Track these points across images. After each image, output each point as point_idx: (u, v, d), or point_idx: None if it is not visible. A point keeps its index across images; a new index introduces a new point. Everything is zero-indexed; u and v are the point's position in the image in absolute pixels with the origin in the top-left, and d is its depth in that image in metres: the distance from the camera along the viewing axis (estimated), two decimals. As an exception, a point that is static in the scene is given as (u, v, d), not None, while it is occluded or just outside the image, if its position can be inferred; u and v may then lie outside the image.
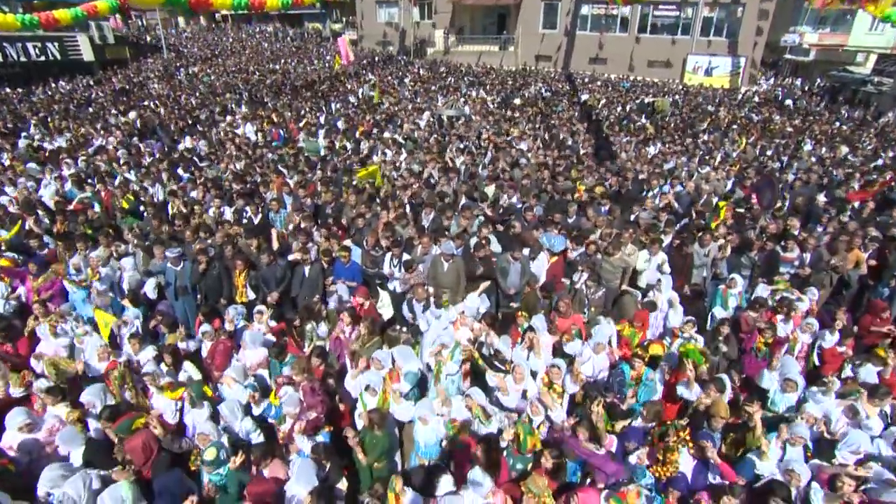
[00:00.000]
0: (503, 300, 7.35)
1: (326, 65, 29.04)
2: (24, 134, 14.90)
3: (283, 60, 30.20)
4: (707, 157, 12.86)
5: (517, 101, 20.51)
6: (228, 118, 17.02)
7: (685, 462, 4.39)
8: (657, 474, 4.35)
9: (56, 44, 26.43)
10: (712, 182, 11.02)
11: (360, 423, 4.96)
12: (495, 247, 7.49)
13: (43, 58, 26.23)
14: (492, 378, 5.30)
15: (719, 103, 23.42)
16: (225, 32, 40.89)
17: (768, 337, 5.97)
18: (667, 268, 7.39)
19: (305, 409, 4.61)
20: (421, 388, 5.55)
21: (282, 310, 6.87)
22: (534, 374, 5.39)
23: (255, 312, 6.16)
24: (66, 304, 6.34)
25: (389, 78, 25.15)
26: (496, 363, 5.53)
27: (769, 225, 8.27)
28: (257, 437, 4.92)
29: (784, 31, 33.72)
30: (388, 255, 7.21)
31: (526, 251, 7.31)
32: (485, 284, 6.72)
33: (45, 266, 7.07)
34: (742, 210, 9.00)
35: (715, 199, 9.95)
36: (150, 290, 6.98)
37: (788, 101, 25.79)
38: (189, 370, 5.51)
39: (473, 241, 7.43)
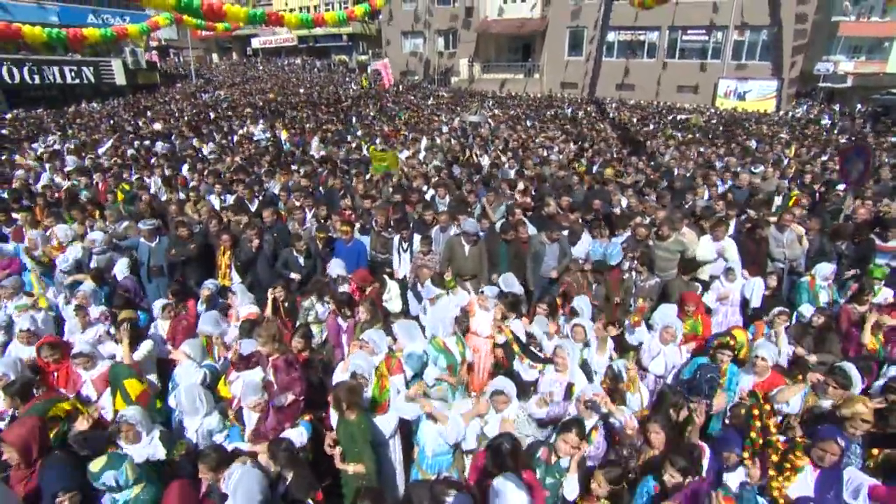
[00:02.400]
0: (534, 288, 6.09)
1: (350, 90, 29.07)
2: (40, 139, 14.71)
3: (308, 87, 30.44)
4: (760, 157, 11.57)
5: (548, 114, 19.67)
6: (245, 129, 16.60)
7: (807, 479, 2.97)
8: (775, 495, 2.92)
9: (91, 68, 27.27)
10: (771, 180, 9.68)
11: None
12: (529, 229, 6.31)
13: (78, 80, 26.97)
14: (526, 369, 4.00)
15: (757, 121, 22.19)
16: (254, 65, 42.05)
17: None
18: (733, 256, 6.06)
19: (277, 393, 3.38)
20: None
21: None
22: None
23: (230, 291, 5.05)
24: (11, 278, 5.35)
25: (412, 98, 24.78)
26: (532, 351, 4.22)
27: (858, 208, 6.87)
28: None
29: (817, 60, 32.64)
30: (397, 238, 6.09)
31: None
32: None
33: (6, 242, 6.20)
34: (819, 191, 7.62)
35: (778, 199, 8.64)
36: (120, 270, 5.97)
37: (825, 121, 24.43)
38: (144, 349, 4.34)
39: (500, 223, 6.28)
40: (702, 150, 12.95)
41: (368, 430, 3.26)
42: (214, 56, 49.19)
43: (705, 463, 3.12)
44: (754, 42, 28.43)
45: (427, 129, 15.89)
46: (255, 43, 46.06)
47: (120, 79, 28.44)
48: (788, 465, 2.91)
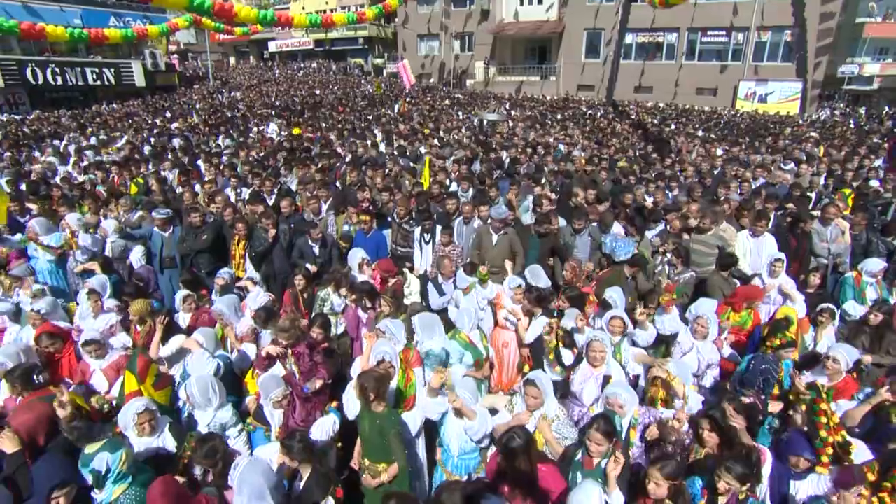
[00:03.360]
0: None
1: (366, 92, 29.03)
2: (66, 137, 14.83)
3: (325, 89, 30.48)
4: (789, 153, 11.13)
5: (566, 114, 19.35)
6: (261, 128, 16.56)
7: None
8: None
9: (112, 70, 27.64)
10: (805, 176, 9.27)
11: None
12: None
13: (99, 82, 27.35)
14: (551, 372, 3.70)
15: (781, 123, 21.60)
16: (271, 68, 42.36)
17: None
18: (773, 251, 5.70)
19: (300, 382, 3.12)
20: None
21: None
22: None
23: (246, 279, 4.82)
24: (23, 266, 5.19)
25: (428, 98, 24.62)
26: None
27: (907, 203, 6.46)
28: (237, 441, 3.42)
29: (840, 62, 31.84)
30: (419, 229, 5.84)
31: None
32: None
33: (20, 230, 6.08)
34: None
35: (813, 194, 8.23)
36: (136, 259, 5.81)
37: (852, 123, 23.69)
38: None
39: (526, 215, 5.99)
40: (727, 147, 12.54)
41: (398, 423, 2.99)
42: (231, 60, 49.72)
43: (766, 469, 2.79)
44: (776, 43, 27.79)
45: (447, 127, 15.66)
46: (272, 47, 46.44)
47: (139, 80, 28.78)
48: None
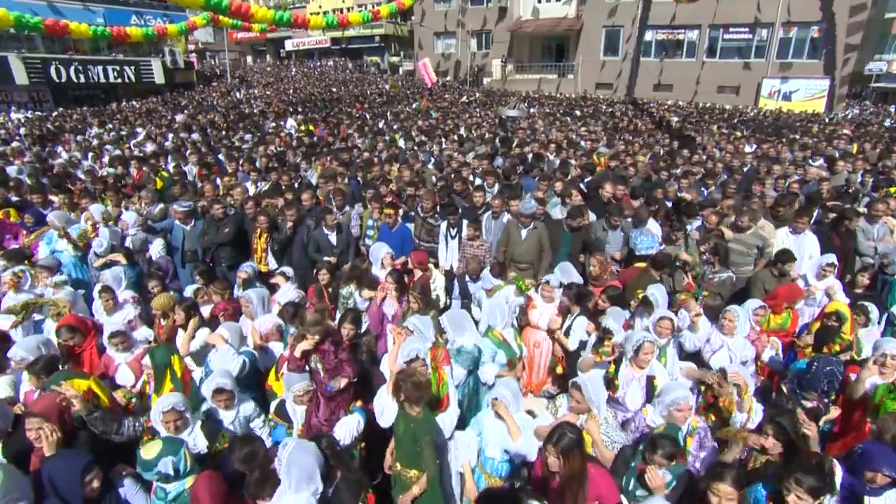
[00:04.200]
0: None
1: (382, 90, 28.99)
2: (88, 132, 14.99)
3: (341, 87, 30.50)
4: (821, 150, 10.74)
5: (586, 111, 19.03)
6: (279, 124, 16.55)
7: None
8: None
9: (132, 67, 28.01)
10: (841, 174, 8.89)
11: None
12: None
13: (120, 80, 27.72)
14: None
15: (807, 120, 21.00)
16: (287, 67, 42.55)
17: None
18: (813, 249, 5.43)
19: (326, 379, 2.97)
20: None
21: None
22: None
23: (278, 273, 4.69)
24: (49, 257, 5.14)
25: (447, 96, 24.45)
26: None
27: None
28: (261, 433, 3.29)
29: (868, 59, 30.91)
30: (444, 224, 5.67)
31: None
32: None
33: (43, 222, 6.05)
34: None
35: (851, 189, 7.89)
36: (155, 251, 5.73)
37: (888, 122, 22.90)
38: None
39: (556, 210, 5.79)
40: (756, 144, 12.16)
41: (433, 429, 2.81)
42: (248, 58, 50.07)
43: (836, 482, 2.56)
44: (802, 39, 27.03)
45: (468, 124, 15.46)
46: (289, 45, 46.64)
47: (159, 78, 29.14)
48: None
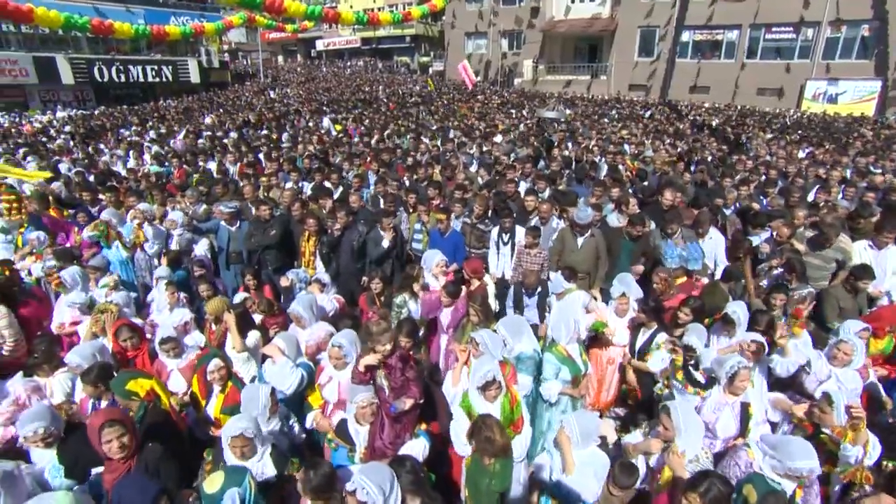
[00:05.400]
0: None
1: (413, 90, 28.94)
2: (121, 130, 15.28)
3: (372, 86, 30.59)
4: (882, 156, 10.12)
5: (623, 113, 18.53)
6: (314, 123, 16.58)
7: None
8: None
9: (170, 67, 28.72)
10: (911, 181, 8.32)
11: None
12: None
13: (158, 79, 28.44)
14: (685, 394, 3.21)
15: (857, 124, 20.01)
16: (318, 66, 42.99)
17: None
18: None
19: (392, 397, 2.78)
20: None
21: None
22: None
23: (313, 280, 4.54)
24: (99, 258, 5.11)
25: (479, 96, 24.22)
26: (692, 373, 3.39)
27: None
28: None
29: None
30: (496, 229, 5.43)
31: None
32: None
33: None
34: None
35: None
36: (201, 251, 5.67)
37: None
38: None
39: (612, 216, 5.50)
40: (811, 149, 11.55)
41: (509, 480, 2.57)
42: (279, 58, 50.81)
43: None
44: (851, 38, 25.81)
45: (505, 126, 15.18)
46: (319, 45, 47.15)
47: (195, 77, 29.80)
48: None
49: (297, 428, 3.23)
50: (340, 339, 3.19)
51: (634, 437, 3.13)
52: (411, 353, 3.47)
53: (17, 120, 20.50)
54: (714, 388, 3.20)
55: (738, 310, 3.76)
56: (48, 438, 2.70)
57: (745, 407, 3.08)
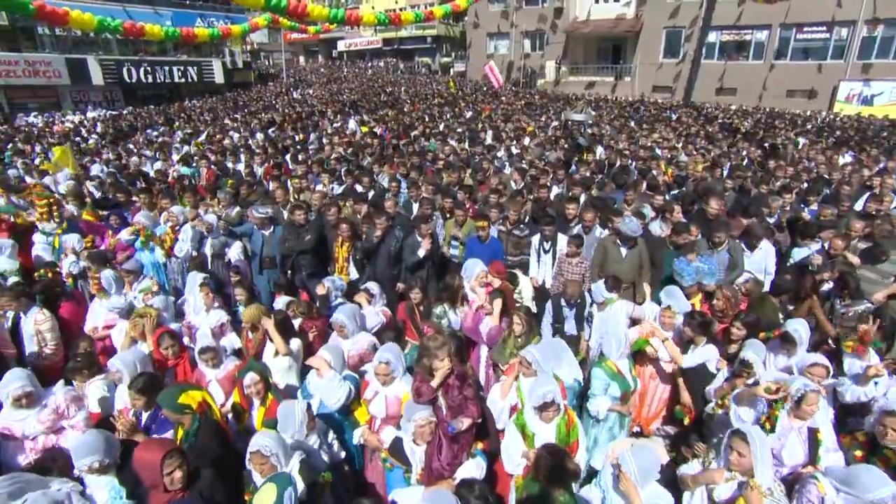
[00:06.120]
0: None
1: (435, 91, 28.86)
2: (148, 131, 15.50)
3: (395, 87, 30.60)
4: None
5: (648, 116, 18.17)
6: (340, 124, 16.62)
7: None
8: None
9: (195, 67, 29.16)
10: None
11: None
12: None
13: (184, 80, 28.92)
14: (742, 412, 3.04)
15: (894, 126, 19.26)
16: (340, 67, 43.21)
17: None
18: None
19: (449, 416, 2.67)
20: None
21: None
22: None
23: (361, 290, 4.44)
24: (133, 261, 5.11)
25: (504, 99, 24.03)
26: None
27: None
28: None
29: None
30: (537, 237, 5.28)
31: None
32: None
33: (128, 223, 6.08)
34: None
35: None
36: (234, 255, 5.64)
37: None
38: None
39: (655, 225, 5.32)
40: (853, 154, 11.12)
41: None
42: (301, 59, 51.24)
43: None
44: (889, 38, 24.92)
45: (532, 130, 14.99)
46: (341, 46, 47.37)
47: (219, 77, 30.24)
48: None
49: (336, 445, 3.13)
50: (387, 354, 3.09)
51: (692, 466, 2.96)
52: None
53: (52, 120, 21.03)
54: (780, 411, 3.01)
55: (799, 328, 3.56)
56: (104, 469, 2.64)
57: (813, 432, 2.89)
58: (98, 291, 4.52)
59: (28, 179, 8.42)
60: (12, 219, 5.95)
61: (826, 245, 5.16)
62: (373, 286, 4.41)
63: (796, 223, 5.59)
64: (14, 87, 24.07)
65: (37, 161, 10.72)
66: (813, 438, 2.89)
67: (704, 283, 4.65)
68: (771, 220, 6.24)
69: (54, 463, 2.83)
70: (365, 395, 3.29)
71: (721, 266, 5.08)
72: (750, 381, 3.31)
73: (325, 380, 3.14)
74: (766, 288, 5.03)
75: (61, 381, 3.43)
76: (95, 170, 9.19)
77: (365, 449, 3.18)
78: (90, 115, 22.39)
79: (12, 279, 4.84)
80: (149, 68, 27.51)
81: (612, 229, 5.02)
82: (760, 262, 5.01)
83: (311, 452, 2.88)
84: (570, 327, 4.62)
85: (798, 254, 5.27)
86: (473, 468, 2.68)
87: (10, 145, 13.37)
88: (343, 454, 3.09)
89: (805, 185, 7.78)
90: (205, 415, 2.77)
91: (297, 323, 4.25)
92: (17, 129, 18.02)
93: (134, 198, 6.94)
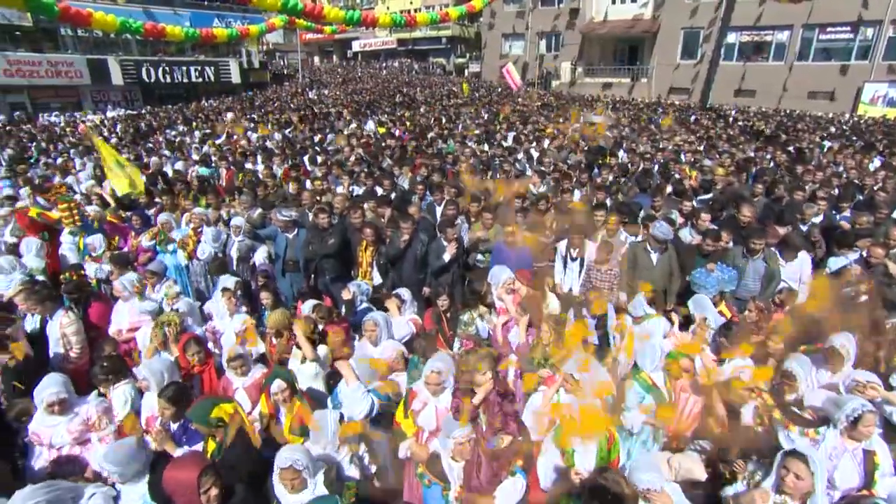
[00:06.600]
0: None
1: (451, 93, 28.81)
2: (168, 130, 15.62)
3: (410, 88, 30.59)
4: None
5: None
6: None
7: None
8: None
9: (212, 67, 29.46)
10: None
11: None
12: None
13: (201, 80, 29.23)
14: (795, 437, 2.91)
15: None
16: (354, 68, 43.34)
17: None
18: None
19: (489, 433, 2.59)
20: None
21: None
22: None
23: (392, 296, 4.37)
24: (156, 262, 5.10)
25: (520, 99, 23.91)
26: (796, 411, 3.08)
27: None
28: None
29: None
30: (563, 243, 5.18)
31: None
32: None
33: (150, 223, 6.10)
34: None
35: None
36: (260, 259, 5.61)
37: None
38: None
39: (685, 231, 5.18)
40: (881, 159, 10.81)
41: None
42: (315, 59, 51.52)
43: None
44: (916, 38, 24.33)
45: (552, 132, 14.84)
46: (356, 46, 47.52)
47: (236, 77, 30.54)
48: None
49: (367, 458, 3.05)
50: (438, 363, 3.00)
51: (736, 487, 2.83)
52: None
53: (73, 119, 21.35)
54: (829, 431, 2.88)
55: (846, 343, 3.41)
56: (134, 479, 2.60)
57: (868, 455, 2.75)
58: (135, 292, 4.50)
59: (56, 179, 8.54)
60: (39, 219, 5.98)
61: (864, 253, 5.00)
62: (404, 292, 4.33)
63: (832, 231, 5.41)
64: (37, 87, 24.52)
65: (59, 161, 10.85)
66: (869, 461, 2.75)
67: (727, 290, 4.55)
68: (803, 228, 6.06)
69: (79, 471, 2.81)
70: (413, 405, 3.21)
71: (756, 275, 4.93)
72: (791, 397, 3.18)
73: (350, 389, 3.07)
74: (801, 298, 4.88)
75: (95, 392, 3.42)
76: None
77: (406, 464, 3.07)
78: (109, 114, 22.70)
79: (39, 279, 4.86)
80: (167, 68, 27.86)
81: (647, 235, 4.90)
82: (796, 271, 4.85)
83: (338, 465, 2.82)
84: (592, 338, 4.50)
85: (835, 263, 5.09)
86: (514, 487, 2.59)
87: (33, 144, 13.58)
88: (374, 469, 3.01)
89: (836, 191, 7.56)
90: (238, 428, 2.71)
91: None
92: (41, 128, 18.31)
93: (157, 199, 6.96)
